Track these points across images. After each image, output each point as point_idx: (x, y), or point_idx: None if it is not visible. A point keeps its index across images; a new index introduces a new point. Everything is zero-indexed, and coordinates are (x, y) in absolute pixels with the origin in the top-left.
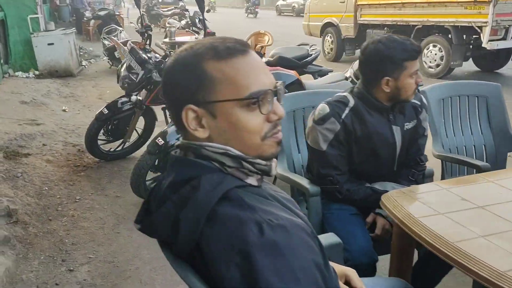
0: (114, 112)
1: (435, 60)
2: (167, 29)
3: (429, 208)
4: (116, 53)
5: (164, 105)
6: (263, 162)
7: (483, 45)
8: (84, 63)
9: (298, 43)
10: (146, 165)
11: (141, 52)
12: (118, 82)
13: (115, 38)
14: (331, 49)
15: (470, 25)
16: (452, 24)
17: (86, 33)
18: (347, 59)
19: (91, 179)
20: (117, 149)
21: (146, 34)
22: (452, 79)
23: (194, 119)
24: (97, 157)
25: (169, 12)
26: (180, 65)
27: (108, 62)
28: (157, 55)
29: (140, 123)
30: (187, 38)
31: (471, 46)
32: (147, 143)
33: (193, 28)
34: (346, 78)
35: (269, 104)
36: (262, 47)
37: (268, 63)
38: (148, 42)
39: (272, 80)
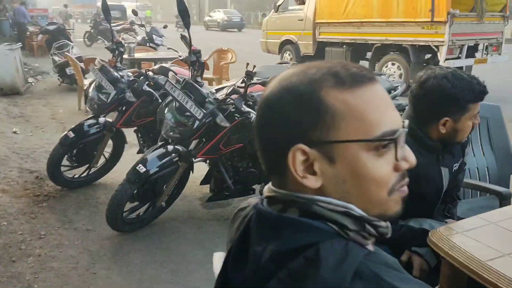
0: (80, 136)
1: (394, 78)
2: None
3: (489, 248)
4: (67, 70)
5: (136, 127)
6: (384, 224)
7: (440, 64)
8: (30, 80)
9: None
10: (126, 195)
11: (112, 70)
12: (85, 103)
13: (69, 54)
14: None
15: (427, 44)
16: (410, 43)
17: (30, 48)
18: None
19: (55, 211)
20: (82, 175)
21: (117, 51)
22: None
23: (303, 163)
24: (59, 185)
25: (119, 28)
26: (290, 94)
27: (58, 79)
28: (129, 73)
29: (108, 147)
30: (147, 55)
31: (427, 64)
32: (114, 168)
33: (150, 44)
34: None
35: (401, 149)
36: (224, 64)
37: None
38: (119, 60)
39: (399, 117)
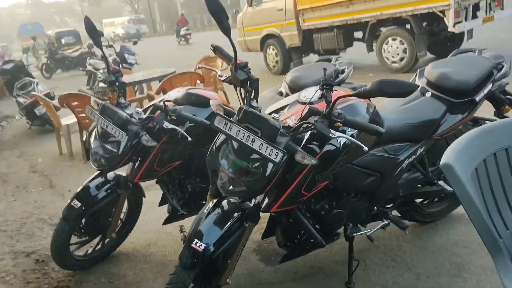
0: (89, 204)
1: (398, 54)
2: (91, 74)
3: None
4: (36, 110)
5: (158, 178)
6: None
7: (449, 30)
8: None
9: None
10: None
11: (117, 109)
12: (88, 159)
13: (36, 93)
14: (276, 61)
15: (430, 11)
16: (410, 13)
17: None
18: None
19: None
20: (96, 249)
21: (117, 82)
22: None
23: None
24: (70, 269)
25: (77, 53)
26: None
27: (27, 122)
28: (139, 110)
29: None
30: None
31: (433, 34)
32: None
33: (123, 64)
34: (281, 94)
35: None
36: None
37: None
38: (122, 93)
39: None
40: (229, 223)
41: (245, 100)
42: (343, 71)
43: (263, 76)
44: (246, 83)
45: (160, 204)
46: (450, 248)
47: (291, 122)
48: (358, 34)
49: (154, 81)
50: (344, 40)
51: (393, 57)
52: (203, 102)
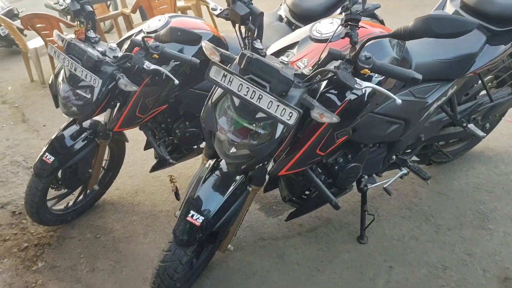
0: (63, 157)
1: None
2: None
3: None
4: None
5: (142, 123)
6: None
7: None
8: None
9: None
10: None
11: (86, 46)
12: (57, 106)
13: None
14: None
15: None
16: None
17: None
18: None
19: (60, 275)
20: (77, 200)
21: (83, 12)
22: None
23: None
24: (51, 225)
25: None
26: None
27: None
28: (113, 45)
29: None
30: None
31: None
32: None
33: None
34: (281, 19)
35: None
36: None
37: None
38: (90, 26)
39: None
40: (231, 188)
41: (246, 41)
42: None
43: None
44: (248, 19)
45: (145, 148)
46: (471, 193)
47: (303, 66)
48: None
49: None
50: None
51: None
52: (192, 40)
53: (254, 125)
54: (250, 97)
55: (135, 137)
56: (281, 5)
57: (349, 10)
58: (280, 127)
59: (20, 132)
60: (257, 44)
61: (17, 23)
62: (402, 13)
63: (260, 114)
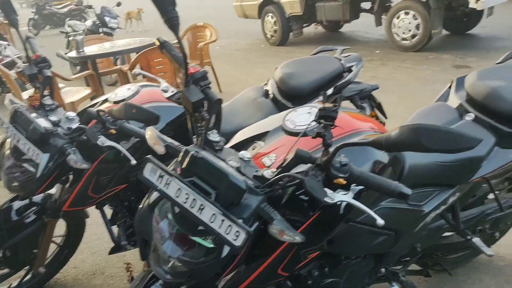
0: (7, 234)
1: (410, 30)
2: (70, 37)
3: None
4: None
5: (98, 203)
6: None
7: (470, 6)
8: None
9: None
10: None
11: (35, 117)
12: None
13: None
14: (275, 31)
15: None
16: None
17: None
18: (295, 41)
19: None
20: (23, 281)
21: (39, 75)
22: (429, 50)
23: None
24: None
25: (65, 10)
26: None
27: None
28: (71, 115)
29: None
30: (102, 48)
31: (451, 9)
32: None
33: (104, 29)
34: (267, 95)
35: None
36: (204, 44)
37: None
38: (47, 92)
39: None
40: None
41: (197, 133)
42: (349, 69)
43: (260, 46)
44: (202, 105)
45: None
46: None
47: (270, 162)
48: (366, 5)
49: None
50: (350, 11)
51: (404, 33)
52: (147, 119)
53: (195, 238)
54: (190, 206)
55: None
56: (269, 79)
57: (323, 105)
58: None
59: None
60: (213, 136)
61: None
62: (410, 87)
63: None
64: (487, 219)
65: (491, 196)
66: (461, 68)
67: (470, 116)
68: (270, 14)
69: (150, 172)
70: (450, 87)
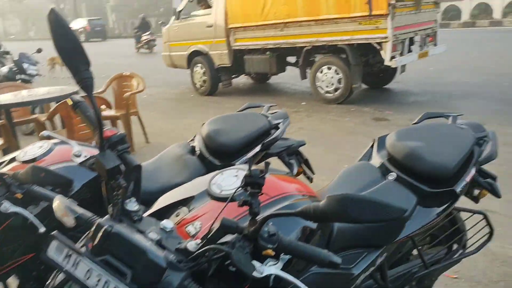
0: None
1: (333, 84)
2: None
3: None
4: None
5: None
6: None
7: (386, 63)
8: None
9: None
10: None
11: None
12: None
13: None
14: (204, 81)
15: (367, 42)
16: (346, 42)
17: None
18: (225, 91)
19: None
20: None
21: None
22: (351, 103)
23: None
24: None
25: None
26: None
27: None
28: None
29: None
30: (16, 96)
31: (369, 65)
32: None
33: (22, 76)
34: (193, 151)
35: None
36: (130, 94)
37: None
38: None
39: None
40: None
41: (113, 202)
42: (276, 126)
43: (189, 95)
44: (119, 172)
45: None
46: None
47: (195, 231)
48: (292, 59)
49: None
50: (277, 64)
51: (327, 86)
52: (58, 184)
53: None
54: None
55: None
56: (195, 135)
57: (249, 171)
58: None
59: None
60: (130, 205)
61: None
62: (335, 139)
63: None
64: (414, 277)
65: (415, 251)
66: (380, 121)
67: (392, 176)
68: (199, 65)
69: (55, 251)
70: (372, 146)
